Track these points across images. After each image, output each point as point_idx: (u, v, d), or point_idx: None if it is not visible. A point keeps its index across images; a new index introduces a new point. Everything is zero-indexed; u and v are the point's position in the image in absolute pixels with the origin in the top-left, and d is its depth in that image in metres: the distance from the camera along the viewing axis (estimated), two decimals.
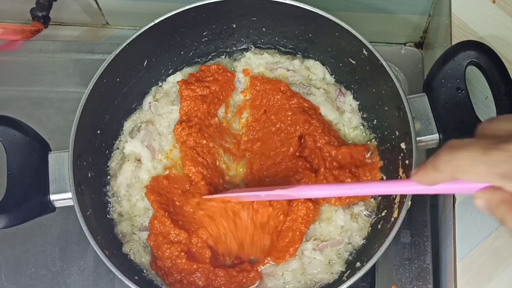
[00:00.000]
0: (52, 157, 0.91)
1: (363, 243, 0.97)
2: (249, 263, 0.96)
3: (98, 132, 1.00)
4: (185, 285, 0.92)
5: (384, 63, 0.93)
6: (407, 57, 1.20)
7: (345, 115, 1.06)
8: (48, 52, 1.24)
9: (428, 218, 1.03)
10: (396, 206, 0.92)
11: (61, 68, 1.22)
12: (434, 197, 1.07)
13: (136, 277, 0.93)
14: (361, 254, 0.95)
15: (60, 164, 0.91)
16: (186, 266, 0.93)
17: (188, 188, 1.00)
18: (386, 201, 0.97)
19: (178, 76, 1.10)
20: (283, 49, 1.12)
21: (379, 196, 0.99)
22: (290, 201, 0.95)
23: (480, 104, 0.98)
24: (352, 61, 1.03)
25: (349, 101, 1.07)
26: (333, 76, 1.10)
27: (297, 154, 1.01)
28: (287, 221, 0.95)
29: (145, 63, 1.05)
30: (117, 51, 0.97)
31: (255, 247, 0.96)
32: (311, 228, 0.97)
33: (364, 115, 1.06)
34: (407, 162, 0.90)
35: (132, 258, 0.97)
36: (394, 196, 0.93)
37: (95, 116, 0.98)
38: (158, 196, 0.98)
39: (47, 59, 1.23)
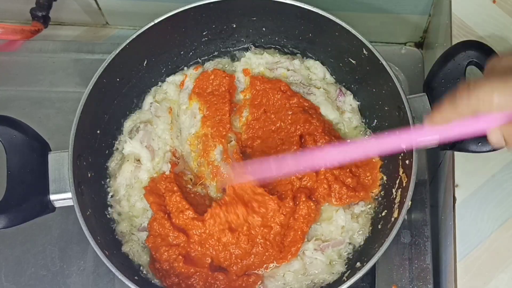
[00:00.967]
0: (52, 157, 0.91)
1: (363, 243, 0.97)
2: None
3: (98, 132, 1.00)
4: None
5: (384, 63, 0.93)
6: (407, 57, 1.20)
7: (345, 115, 1.06)
8: (48, 52, 1.24)
9: (428, 218, 1.03)
10: (396, 206, 0.92)
11: (61, 68, 1.22)
12: (435, 197, 1.07)
13: (136, 277, 0.93)
14: (361, 254, 0.95)
15: (60, 164, 0.90)
16: (183, 270, 0.92)
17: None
18: (386, 201, 0.97)
19: (178, 76, 1.10)
20: (283, 49, 1.12)
21: (380, 193, 0.99)
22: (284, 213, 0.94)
23: None
24: (352, 61, 1.03)
25: (349, 101, 1.07)
26: (333, 76, 1.09)
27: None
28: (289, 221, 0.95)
29: (145, 63, 1.05)
30: (117, 51, 0.97)
31: (258, 258, 0.95)
32: (312, 228, 0.97)
33: (364, 115, 1.06)
34: (407, 162, 0.90)
35: (132, 258, 0.97)
36: (394, 196, 0.93)
37: (95, 116, 0.98)
38: (157, 198, 0.98)
39: (47, 59, 1.23)
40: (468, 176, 0.94)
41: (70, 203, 0.89)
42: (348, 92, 1.08)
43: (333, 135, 1.01)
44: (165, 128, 1.04)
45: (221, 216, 0.94)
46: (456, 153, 0.96)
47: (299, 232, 0.94)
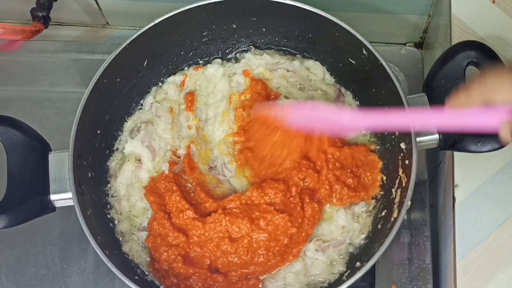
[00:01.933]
0: (52, 157, 0.91)
1: (363, 243, 0.97)
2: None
3: (98, 132, 1.00)
4: None
5: (384, 63, 0.93)
6: (407, 57, 1.20)
7: None
8: (48, 52, 1.24)
9: (428, 218, 1.03)
10: (396, 206, 0.92)
11: (61, 68, 1.22)
12: (434, 197, 1.07)
13: (136, 277, 0.93)
14: (361, 254, 0.95)
15: (60, 164, 0.90)
16: (182, 270, 0.92)
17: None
18: (386, 201, 0.97)
19: (178, 76, 1.10)
20: (283, 49, 1.12)
21: (380, 193, 0.99)
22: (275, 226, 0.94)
23: None
24: (352, 61, 1.03)
25: (349, 101, 1.07)
26: (333, 76, 1.10)
27: None
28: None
29: (145, 63, 1.05)
30: (117, 51, 0.97)
31: (259, 267, 0.94)
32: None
33: None
34: (407, 162, 0.90)
35: (132, 258, 0.97)
36: (394, 196, 0.93)
37: (95, 116, 0.98)
38: (157, 197, 0.98)
39: (47, 59, 1.23)
40: (468, 176, 0.94)
41: (70, 203, 0.89)
42: (348, 92, 1.08)
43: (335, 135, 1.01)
44: (166, 128, 1.04)
45: (223, 224, 0.94)
46: (455, 153, 0.96)
47: (303, 234, 0.94)
